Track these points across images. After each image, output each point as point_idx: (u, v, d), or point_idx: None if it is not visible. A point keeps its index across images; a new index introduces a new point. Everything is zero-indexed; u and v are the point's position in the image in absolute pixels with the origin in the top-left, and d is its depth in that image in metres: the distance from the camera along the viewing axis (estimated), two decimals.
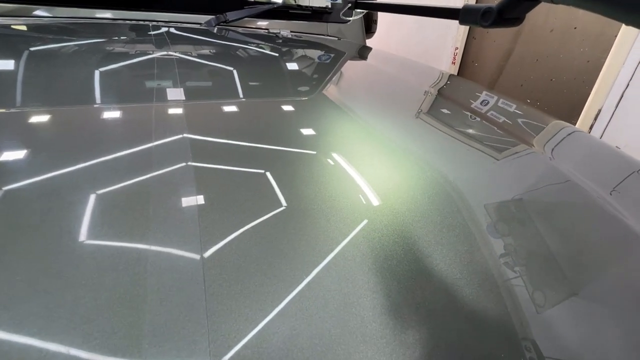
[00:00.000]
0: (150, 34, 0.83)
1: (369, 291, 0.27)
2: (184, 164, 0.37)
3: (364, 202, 0.37)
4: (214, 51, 0.85)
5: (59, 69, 0.58)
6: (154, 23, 0.92)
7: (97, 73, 0.58)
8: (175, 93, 0.55)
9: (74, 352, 0.20)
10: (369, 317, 0.25)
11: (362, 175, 0.42)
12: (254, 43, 0.96)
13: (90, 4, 0.88)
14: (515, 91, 2.65)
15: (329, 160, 0.44)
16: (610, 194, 0.44)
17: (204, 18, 0.99)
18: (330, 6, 1.23)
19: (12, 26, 0.76)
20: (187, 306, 0.23)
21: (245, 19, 1.03)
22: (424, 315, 0.27)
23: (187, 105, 0.51)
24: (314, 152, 0.45)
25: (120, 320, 0.22)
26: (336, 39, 1.21)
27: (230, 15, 0.99)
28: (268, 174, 0.39)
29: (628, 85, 1.86)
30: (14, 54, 0.60)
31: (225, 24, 1.00)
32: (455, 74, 2.97)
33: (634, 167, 0.51)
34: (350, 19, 1.25)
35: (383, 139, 0.54)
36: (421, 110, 0.68)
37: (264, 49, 0.93)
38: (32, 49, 0.64)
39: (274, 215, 0.33)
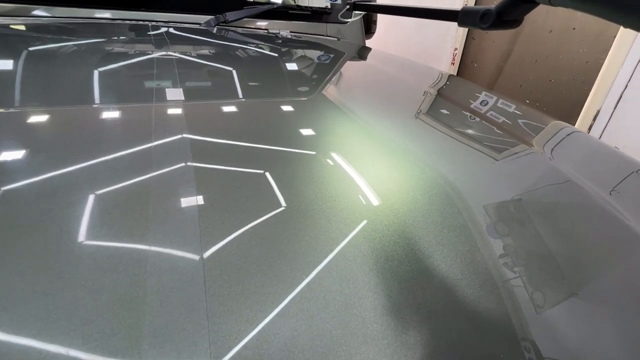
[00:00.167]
0: (150, 34, 0.83)
1: (369, 292, 0.27)
2: (183, 164, 0.37)
3: (364, 203, 0.37)
4: (214, 51, 0.85)
5: (59, 68, 0.58)
6: (153, 23, 0.92)
7: (96, 73, 0.58)
8: (174, 93, 0.55)
9: (73, 353, 0.20)
10: (370, 318, 0.25)
11: (362, 175, 0.42)
12: (253, 43, 0.96)
13: (89, 4, 0.87)
14: (514, 92, 2.66)
15: (329, 161, 0.44)
16: (610, 194, 0.44)
17: (203, 18, 0.99)
18: (329, 7, 1.23)
19: (12, 26, 0.76)
20: (187, 307, 0.23)
21: (245, 19, 1.03)
22: (425, 315, 0.27)
23: (187, 105, 0.51)
24: (314, 153, 0.45)
25: (120, 321, 0.22)
26: (336, 39, 1.21)
27: (230, 16, 0.99)
28: (268, 174, 0.39)
29: (627, 86, 1.87)
30: (14, 54, 0.60)
31: (224, 24, 1.00)
32: (455, 74, 2.97)
33: (633, 167, 0.51)
34: (349, 20, 1.25)
35: (383, 139, 0.54)
36: (421, 111, 0.68)
37: (263, 49, 0.93)
38: (31, 48, 0.64)
39: (274, 215, 0.33)
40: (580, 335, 0.28)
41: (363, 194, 0.38)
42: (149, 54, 0.70)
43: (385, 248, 0.32)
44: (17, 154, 0.35)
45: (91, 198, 0.31)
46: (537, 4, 0.49)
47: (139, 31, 0.86)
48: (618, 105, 1.92)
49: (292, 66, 0.84)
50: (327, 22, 1.22)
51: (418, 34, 3.28)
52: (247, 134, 0.47)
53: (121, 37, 0.80)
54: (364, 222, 0.34)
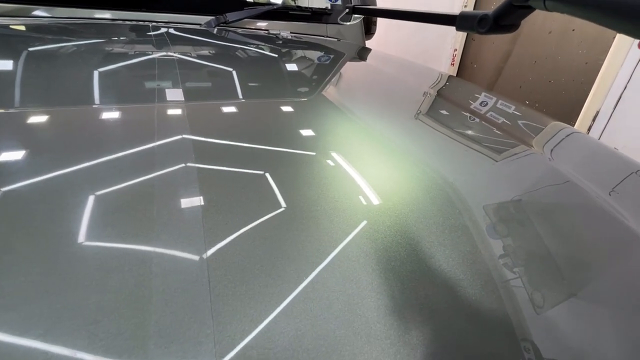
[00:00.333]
0: (150, 35, 0.83)
1: (372, 292, 0.27)
2: (187, 164, 0.37)
3: (367, 203, 0.37)
4: (215, 52, 0.85)
5: (62, 69, 0.58)
6: (154, 24, 0.92)
7: (99, 74, 0.58)
8: (176, 94, 0.55)
9: (80, 353, 0.20)
10: (373, 318, 0.26)
11: (364, 176, 0.42)
12: (254, 44, 0.96)
13: (89, 5, 0.88)
14: (514, 93, 2.66)
15: (332, 162, 0.44)
16: (610, 195, 0.44)
17: (203, 19, 0.99)
18: (329, 7, 1.23)
19: (13, 26, 0.76)
20: (192, 307, 0.23)
21: (245, 20, 1.03)
22: (427, 315, 0.27)
23: (189, 106, 0.51)
24: (317, 153, 0.45)
25: (126, 321, 0.22)
26: (336, 40, 1.22)
27: (230, 16, 0.99)
28: (271, 174, 0.39)
29: (626, 87, 1.87)
30: (18, 55, 0.60)
31: (225, 24, 1.00)
32: (454, 75, 2.98)
33: (633, 168, 0.51)
34: (348, 23, 1.26)
35: (384, 140, 0.54)
36: (421, 112, 0.68)
37: (264, 50, 0.93)
38: (34, 49, 0.64)
39: (277, 216, 0.33)
40: (580, 335, 0.28)
41: (365, 195, 0.39)
42: (151, 55, 0.70)
43: (387, 248, 0.32)
44: (25, 155, 0.36)
45: (96, 198, 0.31)
46: (533, 9, 0.49)
47: (140, 32, 0.86)
48: (617, 106, 1.93)
49: (293, 67, 0.84)
50: (327, 23, 1.22)
51: (418, 35, 3.28)
52: (249, 135, 0.47)
53: (122, 38, 0.80)
54: (367, 222, 0.34)
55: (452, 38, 2.99)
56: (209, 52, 0.83)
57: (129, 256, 0.26)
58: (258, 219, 0.32)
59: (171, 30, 0.89)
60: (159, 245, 0.27)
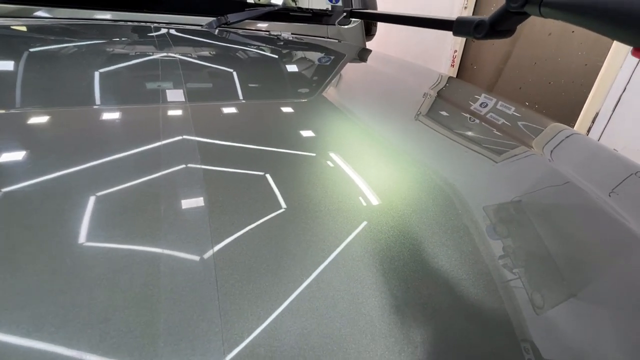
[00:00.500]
0: (152, 36, 0.83)
1: (376, 291, 0.28)
2: (192, 165, 0.38)
3: (370, 204, 0.38)
4: (218, 53, 0.85)
5: (68, 70, 0.58)
6: (155, 24, 0.92)
7: (104, 75, 0.58)
8: (180, 94, 0.55)
9: (91, 350, 0.21)
10: (377, 316, 0.26)
11: (368, 177, 0.42)
12: (256, 45, 0.96)
13: (91, 6, 0.88)
14: (513, 94, 2.67)
15: (336, 162, 0.44)
16: (609, 196, 0.45)
17: (204, 20, 1.00)
18: (330, 9, 1.24)
19: (15, 27, 0.76)
20: (200, 306, 0.24)
21: (246, 21, 1.03)
22: (430, 314, 0.27)
23: (193, 106, 0.52)
24: (321, 154, 0.45)
25: (136, 319, 0.22)
26: (337, 41, 1.22)
27: (232, 17, 1.00)
28: (275, 175, 0.39)
29: (625, 89, 1.88)
30: (26, 56, 0.60)
31: (226, 25, 1.01)
32: (454, 76, 2.98)
33: (632, 169, 0.51)
34: (345, 26, 1.26)
35: (386, 141, 0.54)
36: (421, 113, 0.68)
37: (267, 51, 0.93)
38: (40, 49, 0.64)
39: (282, 216, 0.33)
40: (580, 335, 0.28)
41: (369, 196, 0.39)
42: (153, 56, 0.70)
43: (389, 248, 0.32)
44: (37, 155, 0.36)
45: (105, 199, 0.32)
46: (528, 16, 0.49)
47: (142, 33, 0.86)
48: (616, 107, 1.93)
49: (295, 68, 0.84)
50: (327, 24, 1.23)
51: (418, 36, 3.29)
52: (253, 136, 0.48)
53: (124, 39, 0.80)
54: (370, 222, 0.35)
55: (452, 39, 2.99)
56: (211, 53, 0.84)
57: (137, 256, 0.27)
58: (263, 218, 0.32)
59: (173, 31, 0.89)
60: (166, 245, 0.28)
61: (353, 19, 1.23)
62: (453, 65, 3.09)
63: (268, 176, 0.39)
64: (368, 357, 0.23)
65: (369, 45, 1.35)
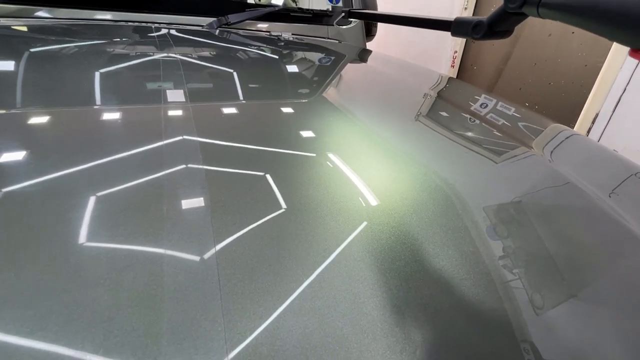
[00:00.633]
0: (153, 36, 0.83)
1: (377, 291, 0.28)
2: (194, 165, 0.38)
3: (372, 205, 0.38)
4: (219, 53, 0.85)
5: (69, 70, 0.58)
6: (156, 25, 0.92)
7: (106, 75, 0.58)
8: (182, 95, 0.55)
9: (95, 349, 0.21)
10: (379, 316, 0.26)
11: (369, 177, 0.42)
12: (256, 45, 0.96)
13: (91, 6, 0.88)
14: (513, 95, 2.67)
15: (338, 163, 0.44)
16: (609, 197, 0.45)
17: (205, 20, 1.00)
18: (330, 9, 1.24)
19: (16, 27, 0.76)
20: (203, 305, 0.24)
21: (247, 21, 1.03)
22: (431, 314, 0.27)
23: (195, 107, 0.52)
24: (322, 154, 0.45)
25: (139, 318, 0.23)
26: (337, 41, 1.22)
27: (232, 18, 1.00)
28: (277, 175, 0.39)
29: (625, 89, 1.88)
30: (28, 57, 0.60)
31: (226, 26, 1.01)
32: (455, 77, 2.99)
33: (632, 170, 0.51)
34: (346, 27, 1.26)
35: (387, 142, 0.55)
36: (421, 113, 0.68)
37: (268, 51, 0.93)
38: (41, 49, 0.64)
39: (284, 216, 0.33)
40: (580, 336, 0.28)
41: (371, 196, 0.39)
42: (154, 56, 0.70)
43: (391, 248, 0.32)
44: (41, 155, 0.36)
45: (108, 198, 0.32)
46: (526, 16, 0.50)
47: (142, 33, 0.86)
48: (617, 108, 1.93)
49: (295, 68, 0.85)
50: (328, 25, 1.23)
51: (418, 36, 3.29)
52: (255, 136, 0.48)
53: (125, 39, 0.81)
54: (372, 223, 0.35)
55: (452, 40, 2.99)
56: (212, 54, 0.84)
57: (140, 255, 0.27)
58: (265, 218, 0.33)
59: (173, 32, 0.89)
60: (169, 245, 0.28)
61: (353, 20, 1.24)
62: (453, 66, 3.09)
63: (269, 176, 0.39)
64: (370, 356, 0.24)
65: (369, 45, 1.35)
